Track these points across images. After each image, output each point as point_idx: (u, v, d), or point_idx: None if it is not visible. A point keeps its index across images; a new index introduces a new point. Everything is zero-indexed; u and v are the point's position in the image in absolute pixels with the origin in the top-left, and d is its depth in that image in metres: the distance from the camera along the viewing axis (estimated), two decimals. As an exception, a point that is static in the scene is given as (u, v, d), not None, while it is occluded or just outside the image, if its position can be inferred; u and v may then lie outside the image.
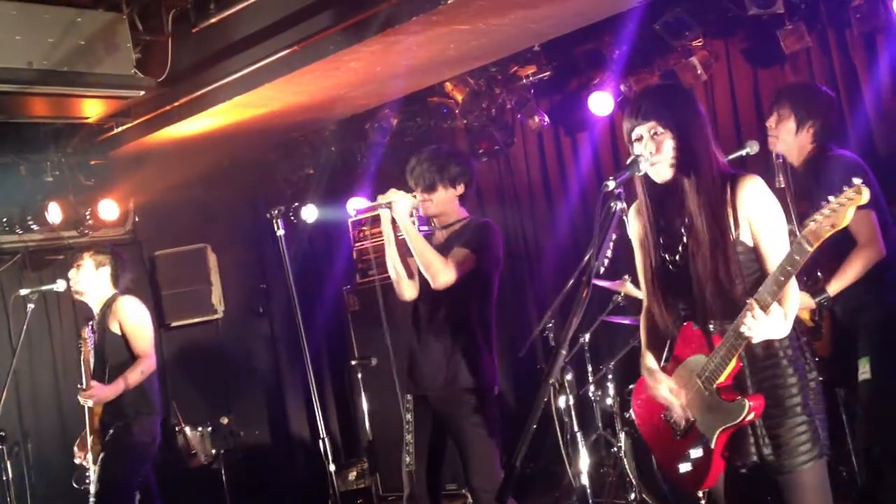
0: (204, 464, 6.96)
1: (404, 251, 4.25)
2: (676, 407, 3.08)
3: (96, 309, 5.27)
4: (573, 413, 4.19)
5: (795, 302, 2.91)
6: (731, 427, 2.91)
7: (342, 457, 7.58)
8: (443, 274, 4.08)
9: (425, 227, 4.43)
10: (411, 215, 4.17)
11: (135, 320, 5.17)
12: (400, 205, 4.12)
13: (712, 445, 2.96)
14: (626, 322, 5.60)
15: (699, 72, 5.78)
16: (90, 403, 5.01)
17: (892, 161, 4.88)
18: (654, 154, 2.98)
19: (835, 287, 3.96)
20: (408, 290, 4.33)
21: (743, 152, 4.17)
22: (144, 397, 5.12)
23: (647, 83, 5.99)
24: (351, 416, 7.61)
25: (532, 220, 6.94)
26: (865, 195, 2.60)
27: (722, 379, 2.92)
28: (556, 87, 6.50)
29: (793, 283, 2.84)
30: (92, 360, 5.12)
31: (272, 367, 7.92)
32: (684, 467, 3.07)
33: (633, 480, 5.34)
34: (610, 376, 5.64)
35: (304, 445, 7.82)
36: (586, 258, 4.40)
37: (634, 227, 3.21)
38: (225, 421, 7.45)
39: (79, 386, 5.01)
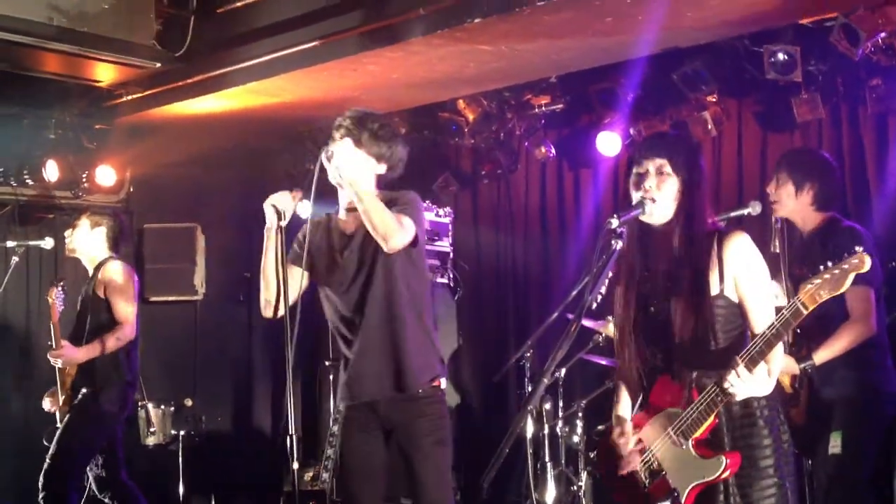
0: (161, 443, 6.91)
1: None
2: (635, 461, 3.07)
3: (90, 269, 5.24)
4: (546, 443, 4.16)
5: (780, 362, 2.94)
6: (704, 483, 2.91)
7: (301, 457, 7.53)
8: (399, 233, 3.40)
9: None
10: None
11: (119, 286, 5.14)
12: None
13: (682, 499, 2.95)
14: (604, 362, 5.61)
15: (710, 127, 5.83)
16: (59, 364, 4.98)
17: (888, 242, 4.92)
18: (656, 190, 2.99)
19: (821, 357, 3.98)
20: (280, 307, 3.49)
21: (745, 211, 4.20)
22: (117, 365, 5.09)
23: (658, 130, 6.04)
24: (315, 416, 7.57)
25: (524, 248, 6.95)
26: (867, 264, 2.63)
27: (698, 433, 2.92)
28: (567, 121, 6.55)
29: (779, 344, 2.86)
30: (58, 321, 5.07)
31: (244, 356, 7.87)
32: None
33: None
34: (580, 414, 5.65)
35: (265, 439, 7.78)
36: (573, 293, 4.46)
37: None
38: (189, 403, 7.40)
39: (49, 344, 4.96)
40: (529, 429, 5.18)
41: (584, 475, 5.50)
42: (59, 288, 5.20)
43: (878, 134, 5.32)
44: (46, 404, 5.19)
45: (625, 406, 3.22)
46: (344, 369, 3.73)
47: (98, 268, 5.22)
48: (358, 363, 3.65)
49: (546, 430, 4.22)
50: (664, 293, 3.02)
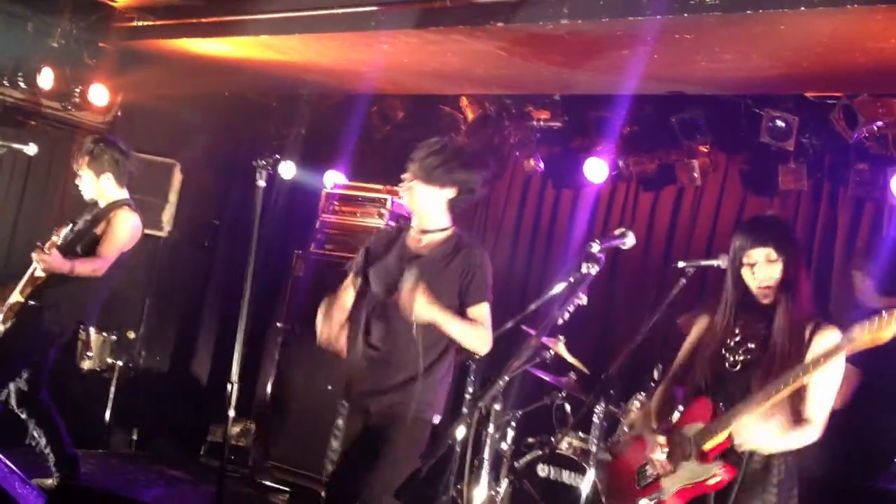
0: (96, 369, 6.90)
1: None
2: (657, 463, 3.25)
3: (102, 204, 5.13)
4: (489, 442, 4.24)
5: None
6: (689, 486, 3.06)
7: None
8: (485, 344, 3.73)
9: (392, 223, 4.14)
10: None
11: (118, 233, 5.03)
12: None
13: (665, 497, 3.12)
14: (546, 378, 5.71)
15: (696, 175, 5.96)
16: (40, 266, 4.89)
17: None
18: (766, 285, 3.22)
19: None
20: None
21: (714, 263, 4.28)
22: (76, 302, 5.02)
23: (645, 168, 6.17)
24: (253, 375, 7.58)
25: (492, 256, 6.99)
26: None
27: (708, 445, 3.07)
28: (561, 140, 6.63)
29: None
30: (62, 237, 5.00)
31: (196, 302, 7.86)
32: None
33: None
34: (513, 423, 5.74)
35: (199, 386, 7.77)
36: (532, 307, 4.53)
37: (700, 322, 3.43)
38: (131, 336, 7.39)
39: (38, 244, 4.85)
40: (462, 430, 5.25)
41: (504, 482, 5.60)
42: (71, 227, 5.10)
43: (853, 216, 5.46)
44: None
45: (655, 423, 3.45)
46: (354, 366, 3.84)
47: (111, 208, 5.09)
48: (373, 372, 3.78)
49: (492, 429, 4.30)
50: (750, 352, 3.22)
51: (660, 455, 3.22)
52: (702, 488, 3.06)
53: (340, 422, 3.88)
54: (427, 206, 3.82)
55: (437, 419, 3.82)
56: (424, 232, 3.86)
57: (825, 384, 3.11)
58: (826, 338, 3.12)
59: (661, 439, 3.24)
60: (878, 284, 4.64)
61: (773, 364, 3.11)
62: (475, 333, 3.69)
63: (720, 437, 3.06)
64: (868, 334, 2.83)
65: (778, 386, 2.96)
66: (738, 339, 3.26)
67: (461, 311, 3.72)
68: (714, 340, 3.29)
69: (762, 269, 3.21)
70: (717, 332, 3.30)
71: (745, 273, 3.26)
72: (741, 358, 3.22)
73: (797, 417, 3.09)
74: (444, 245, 3.82)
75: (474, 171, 3.85)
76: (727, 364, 3.24)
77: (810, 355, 3.08)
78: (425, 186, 3.78)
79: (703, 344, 3.35)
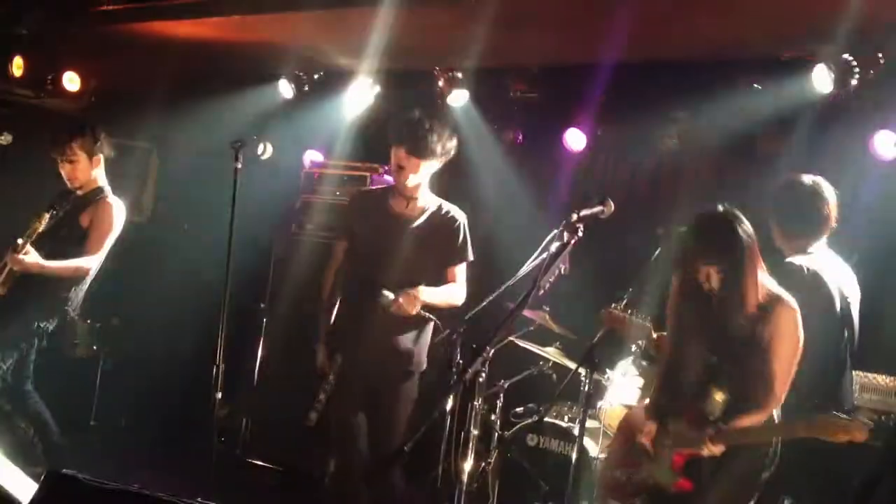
0: (83, 357, 6.89)
1: None
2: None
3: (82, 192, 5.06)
4: (476, 414, 4.29)
5: None
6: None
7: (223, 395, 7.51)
8: (462, 299, 4.26)
9: None
10: None
11: (106, 224, 4.97)
12: None
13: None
14: (532, 349, 5.74)
15: (674, 142, 5.98)
16: (15, 268, 4.78)
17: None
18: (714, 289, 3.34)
19: None
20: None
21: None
22: (61, 292, 4.96)
23: (623, 136, 6.17)
24: (240, 356, 7.57)
25: (472, 228, 7.00)
26: None
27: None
28: (539, 112, 6.58)
29: None
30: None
31: (177, 286, 7.81)
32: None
33: (493, 497, 5.47)
34: (501, 395, 5.77)
35: (185, 369, 7.73)
36: (513, 280, 4.55)
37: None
38: (115, 322, 7.37)
39: (18, 241, 4.76)
40: (449, 403, 5.28)
41: (494, 454, 5.63)
42: (51, 214, 5.00)
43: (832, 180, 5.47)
44: None
45: None
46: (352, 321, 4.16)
47: (93, 196, 5.03)
48: (370, 329, 4.11)
49: (479, 401, 4.34)
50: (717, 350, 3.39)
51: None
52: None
53: (332, 377, 4.11)
54: (421, 180, 4.11)
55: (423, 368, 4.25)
56: (410, 199, 4.15)
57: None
58: (783, 317, 3.28)
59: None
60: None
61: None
62: (456, 294, 4.18)
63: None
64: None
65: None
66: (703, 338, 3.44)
67: (443, 270, 4.17)
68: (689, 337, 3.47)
69: (710, 278, 3.33)
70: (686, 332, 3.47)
71: (694, 276, 3.38)
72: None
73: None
74: (429, 211, 4.16)
75: (455, 140, 4.15)
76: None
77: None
78: (421, 161, 4.03)
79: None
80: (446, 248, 4.17)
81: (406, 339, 4.16)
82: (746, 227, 3.38)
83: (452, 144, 4.11)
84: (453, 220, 4.20)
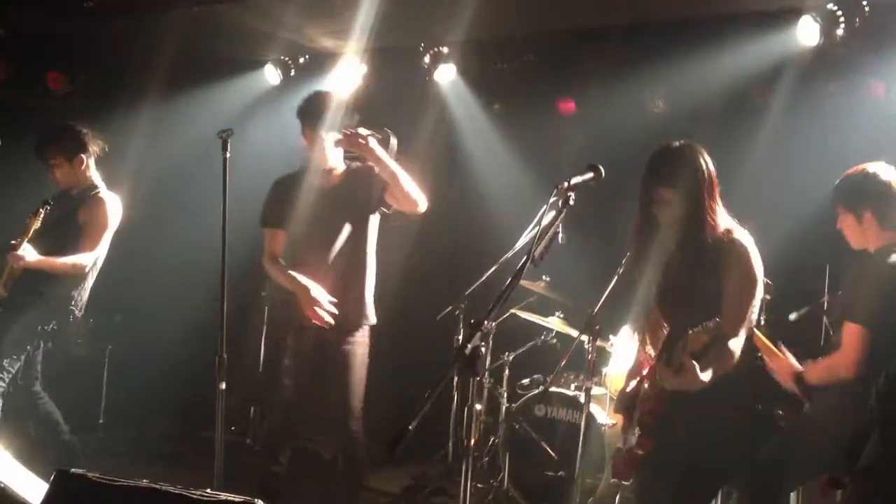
0: (86, 355, 6.90)
1: None
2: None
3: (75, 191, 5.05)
4: (482, 388, 4.31)
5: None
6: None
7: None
8: (423, 199, 4.34)
9: None
10: None
11: (101, 224, 4.96)
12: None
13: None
14: (534, 319, 5.75)
15: (659, 103, 5.97)
16: (16, 266, 4.78)
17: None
18: (665, 217, 3.33)
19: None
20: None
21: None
22: (64, 291, 4.94)
23: (610, 100, 6.15)
24: (243, 345, 7.59)
25: (467, 203, 7.01)
26: None
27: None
28: (527, 79, 6.57)
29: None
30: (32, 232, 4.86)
31: (174, 278, 7.81)
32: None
33: (504, 470, 5.49)
34: (507, 368, 5.79)
35: (191, 362, 7.74)
36: (510, 253, 4.55)
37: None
38: (118, 318, 7.38)
39: (12, 242, 4.76)
40: (454, 379, 5.30)
41: (502, 427, 5.66)
42: (45, 209, 4.99)
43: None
44: None
45: None
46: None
47: (86, 193, 5.02)
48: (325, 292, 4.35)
49: (483, 377, 4.36)
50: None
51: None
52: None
53: (290, 341, 4.50)
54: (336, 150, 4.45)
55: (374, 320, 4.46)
56: (330, 170, 4.47)
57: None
58: (737, 250, 3.22)
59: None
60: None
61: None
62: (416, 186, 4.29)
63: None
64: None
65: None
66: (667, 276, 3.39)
67: (379, 199, 4.39)
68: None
69: (669, 203, 3.29)
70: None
71: (653, 200, 3.34)
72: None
73: None
74: (345, 173, 4.49)
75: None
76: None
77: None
78: (333, 135, 4.36)
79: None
80: (369, 187, 4.42)
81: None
82: (706, 158, 3.32)
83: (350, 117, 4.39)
84: (362, 168, 4.46)
